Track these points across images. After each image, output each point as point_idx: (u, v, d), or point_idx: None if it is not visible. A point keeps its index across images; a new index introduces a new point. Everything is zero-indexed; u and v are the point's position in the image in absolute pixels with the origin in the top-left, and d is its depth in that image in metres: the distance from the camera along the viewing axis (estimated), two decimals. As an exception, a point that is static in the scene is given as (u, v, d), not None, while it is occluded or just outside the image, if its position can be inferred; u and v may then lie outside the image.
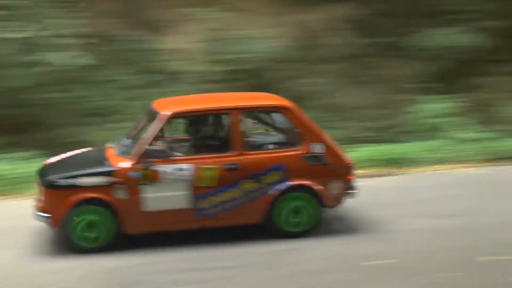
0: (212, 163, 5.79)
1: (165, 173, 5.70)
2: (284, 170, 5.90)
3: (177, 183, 5.75)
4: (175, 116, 5.96)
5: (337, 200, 6.12)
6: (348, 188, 6.11)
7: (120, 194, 5.70)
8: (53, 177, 5.75)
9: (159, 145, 5.80)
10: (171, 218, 5.81)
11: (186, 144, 6.24)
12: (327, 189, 6.00)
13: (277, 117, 6.31)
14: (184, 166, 5.76)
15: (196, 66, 11.06)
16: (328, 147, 6.02)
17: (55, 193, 5.68)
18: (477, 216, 6.61)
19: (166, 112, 5.83)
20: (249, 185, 5.86)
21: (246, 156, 5.85)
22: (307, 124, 6.01)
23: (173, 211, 5.79)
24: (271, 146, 6.11)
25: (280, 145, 6.13)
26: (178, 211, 5.80)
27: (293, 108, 6.06)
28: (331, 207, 6.17)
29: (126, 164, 5.69)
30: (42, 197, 5.79)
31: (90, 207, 5.69)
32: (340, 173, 6.07)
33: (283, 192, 5.91)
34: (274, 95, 6.68)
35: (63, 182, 5.66)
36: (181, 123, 6.52)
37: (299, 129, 6.00)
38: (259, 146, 6.08)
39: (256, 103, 6.35)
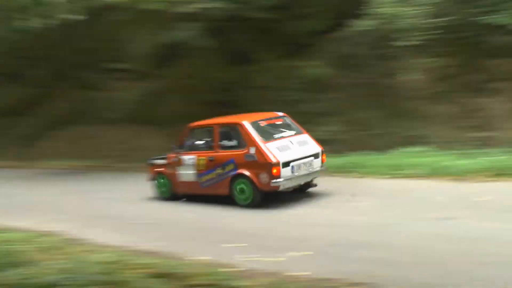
0: (203, 156, 10.20)
1: (184, 160, 10.52)
2: (234, 163, 9.70)
3: (190, 166, 10.41)
4: (190, 128, 10.83)
5: (267, 186, 9.39)
6: (272, 179, 9.26)
7: (170, 170, 10.82)
8: (149, 159, 11.52)
9: (185, 144, 10.63)
10: (190, 186, 10.50)
11: (198, 144, 10.46)
12: (258, 178, 9.38)
13: (235, 130, 9.93)
14: (192, 157, 10.38)
15: None
16: (259, 150, 9.43)
17: (149, 167, 11.43)
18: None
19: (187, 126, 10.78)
20: (219, 171, 9.92)
21: (218, 153, 9.98)
22: (249, 134, 9.59)
23: (190, 182, 10.45)
24: (230, 148, 9.90)
25: (235, 147, 9.83)
26: (192, 183, 10.40)
27: (243, 124, 9.77)
28: (264, 191, 9.52)
29: (172, 154, 10.80)
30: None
31: (161, 175, 11.04)
32: (265, 168, 9.32)
33: (234, 177, 9.70)
34: (254, 115, 10.52)
35: (151, 162, 11.39)
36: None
37: (244, 138, 9.68)
38: (226, 147, 9.96)
39: (224, 121, 10.52)
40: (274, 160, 9.31)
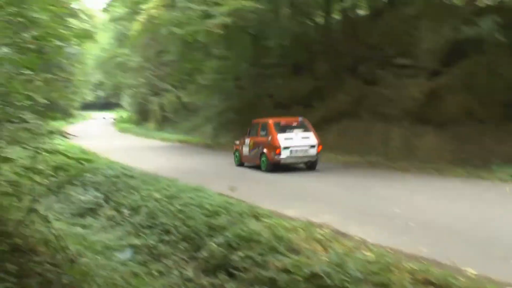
0: (252, 140, 17.54)
1: (245, 141, 17.97)
2: (263, 145, 16.75)
3: (247, 145, 17.72)
4: (252, 123, 18.17)
5: (273, 159, 16.28)
6: (276, 155, 16.09)
7: (240, 148, 18.40)
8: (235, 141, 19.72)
9: (247, 131, 18.02)
10: (246, 158, 17.99)
11: (252, 132, 17.69)
12: (270, 154, 16.32)
13: (266, 125, 16.96)
14: (248, 140, 17.76)
15: None
16: (273, 138, 16.26)
17: (234, 145, 19.39)
18: None
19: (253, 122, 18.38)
20: (257, 149, 17.05)
21: (258, 139, 17.19)
22: (271, 129, 16.53)
23: (246, 155, 17.89)
24: (263, 136, 16.90)
25: (265, 136, 16.77)
26: (247, 156, 17.85)
27: (269, 122, 16.89)
28: (272, 162, 16.36)
29: (242, 138, 18.72)
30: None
31: (237, 150, 18.81)
32: (273, 149, 16.17)
33: (261, 153, 16.82)
34: (277, 118, 17.64)
35: (235, 142, 19.55)
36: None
37: (268, 130, 16.64)
38: (262, 135, 16.99)
39: (262, 121, 17.46)
40: (278, 144, 16.26)
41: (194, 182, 12.54)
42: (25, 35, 6.31)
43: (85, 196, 12.52)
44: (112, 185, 12.94)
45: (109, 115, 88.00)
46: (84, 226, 10.13)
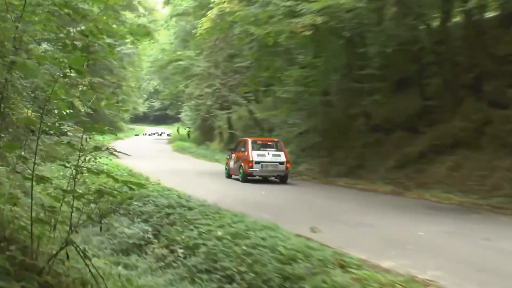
0: (236, 155, 27.96)
1: (232, 156, 28.46)
2: (241, 159, 26.86)
3: (233, 160, 28.29)
4: (239, 141, 30.36)
5: (247, 171, 26.01)
6: (249, 168, 25.93)
7: (229, 162, 28.98)
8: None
9: (234, 148, 29.42)
10: (232, 171, 28.19)
11: (237, 148, 28.62)
12: (245, 167, 26.17)
13: (245, 143, 27.62)
14: (234, 155, 28.26)
15: None
16: (248, 153, 26.17)
17: (226, 159, 30.67)
18: None
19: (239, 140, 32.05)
20: (238, 162, 27.21)
21: (239, 154, 27.40)
22: (247, 145, 26.66)
23: (232, 168, 28.25)
24: (243, 152, 27.16)
25: (244, 151, 26.91)
26: (233, 168, 28.10)
27: (248, 140, 27.60)
28: (246, 174, 26.10)
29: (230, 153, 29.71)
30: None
31: (226, 165, 29.71)
32: (247, 162, 26.00)
33: (239, 166, 26.89)
34: (256, 138, 31.09)
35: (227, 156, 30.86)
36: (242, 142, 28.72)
37: (246, 147, 26.81)
38: (242, 151, 27.35)
39: (244, 139, 29.04)
40: (251, 159, 25.35)
41: (265, 218, 12.55)
42: (71, 29, 6.50)
43: (130, 229, 12.77)
44: (165, 217, 13.13)
45: (165, 131, 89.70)
46: (127, 266, 10.31)
